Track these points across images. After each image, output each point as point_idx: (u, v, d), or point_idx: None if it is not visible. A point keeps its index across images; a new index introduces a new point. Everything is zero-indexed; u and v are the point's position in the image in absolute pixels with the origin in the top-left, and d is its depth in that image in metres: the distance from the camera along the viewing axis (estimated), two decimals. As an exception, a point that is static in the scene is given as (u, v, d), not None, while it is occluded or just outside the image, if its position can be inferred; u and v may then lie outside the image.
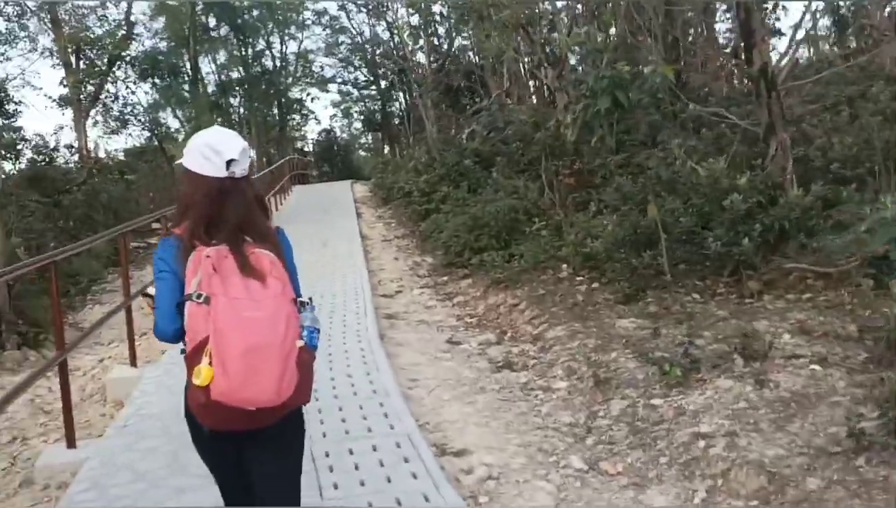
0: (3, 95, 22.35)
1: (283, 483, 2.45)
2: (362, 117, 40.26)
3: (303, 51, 36.10)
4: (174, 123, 31.37)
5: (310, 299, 2.41)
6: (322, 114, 62.33)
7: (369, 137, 48.59)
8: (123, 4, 20.83)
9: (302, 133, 42.81)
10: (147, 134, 28.87)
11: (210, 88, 27.91)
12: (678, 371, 5.15)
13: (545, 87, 14.44)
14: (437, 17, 23.54)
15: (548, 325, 7.46)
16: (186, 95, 21.18)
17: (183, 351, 2.29)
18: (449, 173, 14.21)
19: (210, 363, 2.11)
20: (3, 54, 31.25)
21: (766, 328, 5.85)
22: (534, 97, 13.92)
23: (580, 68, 11.66)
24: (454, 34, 21.73)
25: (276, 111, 36.55)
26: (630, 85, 6.49)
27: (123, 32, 19.75)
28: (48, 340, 9.26)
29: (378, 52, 31.77)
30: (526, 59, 12.32)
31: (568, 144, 11.82)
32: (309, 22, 34.91)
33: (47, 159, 16.15)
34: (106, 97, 21.32)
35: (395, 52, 28.61)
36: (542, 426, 5.21)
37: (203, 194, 2.34)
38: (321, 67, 37.14)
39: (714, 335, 5.92)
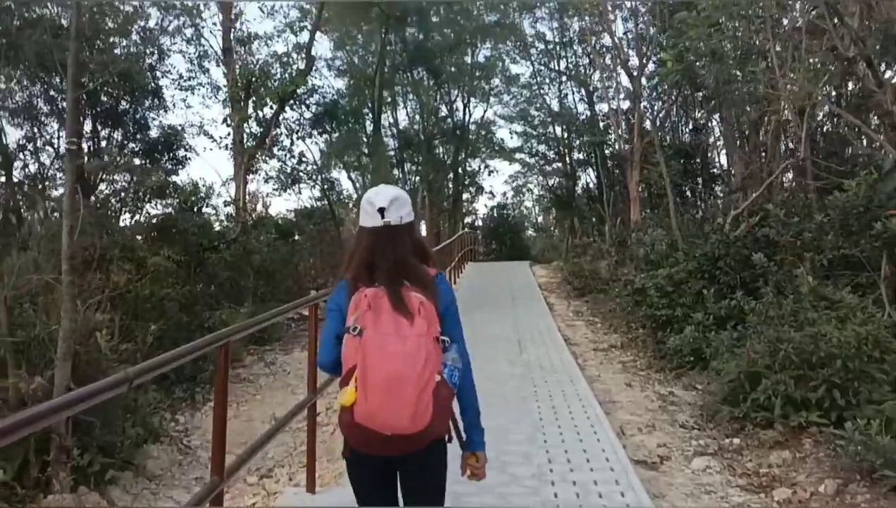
0: (174, 140, 21.02)
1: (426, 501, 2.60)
2: (541, 194, 37.18)
3: (485, 121, 33.66)
4: (346, 184, 29.50)
5: (450, 339, 2.49)
6: (495, 189, 59.85)
7: (540, 218, 45.46)
8: (304, 39, 18.87)
9: (472, 207, 40.41)
10: (314, 195, 27.08)
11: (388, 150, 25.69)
12: None
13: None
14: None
15: None
16: (365, 149, 18.44)
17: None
18: (701, 268, 10.21)
19: (356, 389, 2.29)
20: (184, 100, 30.92)
21: None
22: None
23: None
24: (683, 92, 17.88)
25: (450, 182, 34.09)
26: None
27: (300, 67, 17.53)
28: (125, 475, 6.07)
29: (574, 124, 28.49)
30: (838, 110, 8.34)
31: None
32: (497, 90, 32.50)
33: (193, 207, 13.66)
34: (276, 147, 19.24)
35: (600, 120, 25.22)
36: None
37: (365, 242, 2.60)
38: (503, 139, 34.55)
39: None
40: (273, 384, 10.47)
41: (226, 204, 15.52)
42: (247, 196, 17.22)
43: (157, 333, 7.71)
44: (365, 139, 17.69)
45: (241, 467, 3.48)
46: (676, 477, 5.86)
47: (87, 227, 9.50)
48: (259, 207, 18.35)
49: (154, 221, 11.46)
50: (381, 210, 2.54)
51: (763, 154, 14.53)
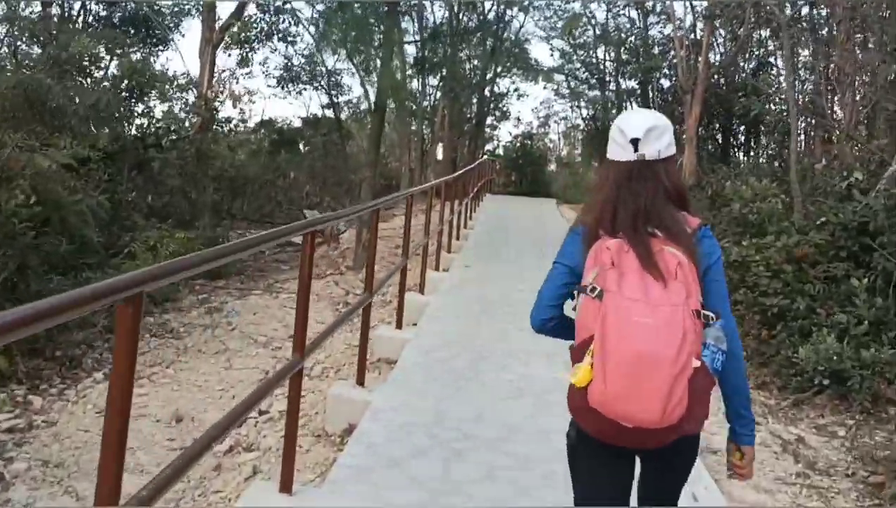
0: (154, 16, 17.67)
1: (661, 501, 2.16)
2: (574, 126, 33.84)
3: (520, 37, 29.84)
4: (358, 91, 26.16)
5: (717, 313, 1.92)
6: (522, 116, 55.21)
7: (565, 151, 42.11)
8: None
9: (495, 134, 37.00)
10: (323, 101, 23.79)
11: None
12: None
13: None
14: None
15: None
16: (373, 30, 13.93)
17: (572, 346, 2.02)
18: (836, 242, 7.05)
19: (591, 366, 1.85)
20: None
21: None
22: None
23: None
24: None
25: (475, 103, 30.53)
26: None
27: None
28: None
29: (625, 46, 24.86)
30: None
31: None
32: (539, 3, 28.65)
33: (133, 92, 10.24)
34: (275, 37, 15.68)
35: (656, 45, 21.63)
36: None
37: (613, 180, 2.09)
38: (537, 59, 30.83)
39: None
40: (206, 345, 7.46)
41: (181, 89, 12.09)
42: (213, 82, 13.80)
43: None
44: (375, 23, 13.59)
45: None
46: None
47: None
48: (229, 100, 14.96)
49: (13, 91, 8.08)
50: (635, 141, 2.03)
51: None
